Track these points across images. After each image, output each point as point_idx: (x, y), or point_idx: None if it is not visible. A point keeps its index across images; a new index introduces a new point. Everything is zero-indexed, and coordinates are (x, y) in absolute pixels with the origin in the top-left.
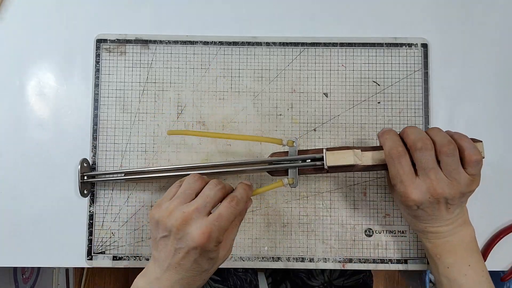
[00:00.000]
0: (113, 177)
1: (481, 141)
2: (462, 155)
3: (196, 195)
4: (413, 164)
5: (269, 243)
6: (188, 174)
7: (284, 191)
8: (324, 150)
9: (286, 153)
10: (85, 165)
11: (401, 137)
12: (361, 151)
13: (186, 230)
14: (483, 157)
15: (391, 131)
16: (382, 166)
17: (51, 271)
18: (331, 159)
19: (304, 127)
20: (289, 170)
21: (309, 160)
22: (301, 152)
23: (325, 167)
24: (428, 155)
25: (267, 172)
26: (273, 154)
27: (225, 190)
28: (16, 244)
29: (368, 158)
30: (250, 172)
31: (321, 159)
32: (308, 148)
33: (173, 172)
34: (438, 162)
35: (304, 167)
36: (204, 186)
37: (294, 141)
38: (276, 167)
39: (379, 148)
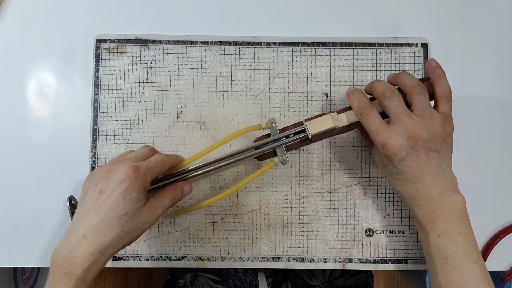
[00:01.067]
0: None
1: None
2: (430, 91)
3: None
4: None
5: (269, 243)
6: (173, 179)
7: (285, 191)
8: (304, 122)
9: (268, 135)
10: (73, 202)
11: (369, 92)
12: (337, 113)
13: (115, 170)
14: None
15: (356, 90)
16: (358, 124)
17: None
18: (312, 128)
19: None
20: (276, 150)
21: (292, 135)
22: (282, 130)
23: (309, 136)
24: (398, 100)
25: (256, 158)
26: (256, 140)
27: (154, 151)
28: (16, 244)
29: (343, 119)
30: (241, 162)
31: (303, 131)
32: (287, 125)
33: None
34: (409, 107)
35: (290, 143)
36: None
37: (272, 122)
38: (263, 150)
39: (348, 108)
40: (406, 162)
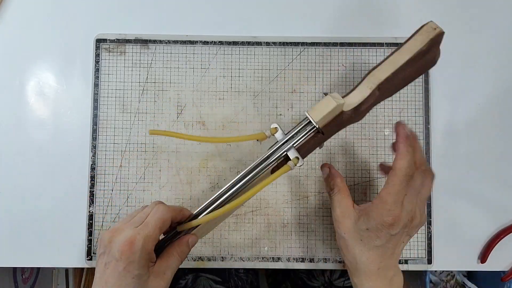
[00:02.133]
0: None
1: (431, 21)
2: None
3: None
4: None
5: (269, 243)
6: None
7: (285, 191)
8: (306, 113)
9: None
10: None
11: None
12: (344, 97)
13: (114, 241)
14: (442, 30)
15: (414, 142)
16: (368, 103)
17: (51, 271)
18: (315, 115)
19: None
20: (288, 153)
21: (299, 131)
22: (288, 132)
23: (317, 126)
24: (429, 181)
25: (272, 172)
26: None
27: (164, 206)
28: (16, 244)
29: (352, 100)
30: (259, 180)
31: (309, 123)
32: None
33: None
34: None
35: (301, 142)
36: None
37: (276, 127)
38: (275, 158)
39: (356, 86)
40: (392, 237)
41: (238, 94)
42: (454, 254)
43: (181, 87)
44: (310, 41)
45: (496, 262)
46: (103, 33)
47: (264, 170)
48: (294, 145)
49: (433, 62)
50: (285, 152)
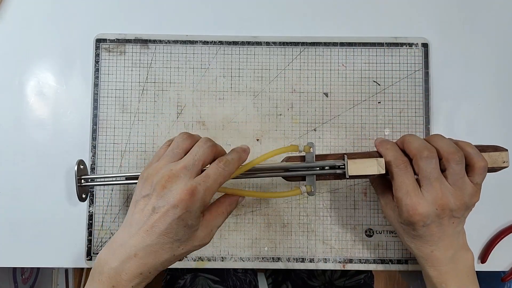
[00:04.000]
0: (113, 180)
1: (507, 150)
2: (469, 162)
3: (186, 154)
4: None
5: (269, 243)
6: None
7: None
8: (346, 158)
9: (302, 157)
10: (81, 167)
11: (400, 147)
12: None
13: (170, 187)
14: (507, 166)
15: (390, 141)
16: None
17: (51, 271)
18: (353, 168)
19: (304, 127)
20: (306, 177)
21: (328, 167)
22: (319, 157)
23: (347, 176)
24: (434, 164)
25: (283, 178)
26: (288, 158)
27: (215, 149)
28: (16, 244)
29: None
30: (265, 177)
31: (341, 166)
32: (326, 153)
33: None
34: (442, 171)
35: (323, 175)
36: (194, 144)
37: (311, 147)
38: (293, 175)
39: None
40: (429, 227)
41: (238, 94)
42: None
43: (181, 87)
44: (310, 41)
45: (496, 262)
46: (103, 33)
47: (278, 174)
48: (316, 174)
49: None
50: (305, 175)
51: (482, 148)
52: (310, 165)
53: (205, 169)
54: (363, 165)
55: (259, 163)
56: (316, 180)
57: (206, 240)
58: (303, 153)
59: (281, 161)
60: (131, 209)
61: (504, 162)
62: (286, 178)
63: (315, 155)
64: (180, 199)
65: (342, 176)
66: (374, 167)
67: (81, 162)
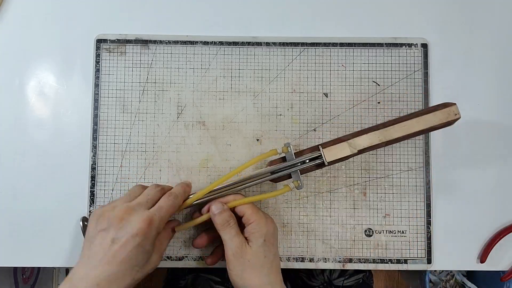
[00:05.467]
0: None
1: (455, 104)
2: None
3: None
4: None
5: None
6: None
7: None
8: (321, 148)
9: (283, 158)
10: (86, 223)
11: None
12: (353, 138)
13: (128, 219)
14: (460, 117)
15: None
16: (374, 147)
17: (51, 271)
18: (329, 155)
19: (304, 127)
20: (291, 174)
21: (308, 160)
22: (297, 154)
23: (326, 163)
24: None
25: (271, 181)
26: (270, 163)
27: (163, 190)
28: (16, 244)
29: (359, 143)
30: (255, 185)
31: (319, 156)
32: (302, 149)
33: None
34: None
35: (306, 168)
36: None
37: (288, 146)
38: (279, 175)
39: (366, 131)
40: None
41: (238, 94)
42: (453, 254)
43: (181, 87)
44: (310, 41)
45: (496, 262)
46: (104, 33)
47: (265, 179)
48: (299, 169)
49: (435, 130)
50: (289, 173)
51: (434, 108)
52: (292, 163)
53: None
54: (336, 150)
55: (238, 172)
56: (301, 174)
57: (158, 262)
58: (282, 154)
59: (266, 167)
60: (86, 244)
61: (456, 114)
62: (274, 180)
63: (294, 153)
64: (139, 228)
65: (322, 164)
66: (347, 149)
67: (84, 219)
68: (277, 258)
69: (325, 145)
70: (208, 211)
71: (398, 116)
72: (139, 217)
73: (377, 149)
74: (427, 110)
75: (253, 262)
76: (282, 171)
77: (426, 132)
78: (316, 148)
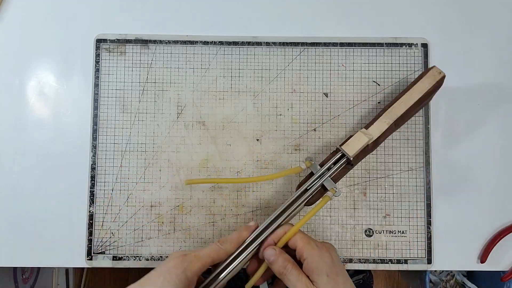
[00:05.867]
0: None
1: (435, 66)
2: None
3: None
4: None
5: None
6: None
7: (285, 191)
8: (340, 147)
9: (310, 174)
10: None
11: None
12: (365, 129)
13: (170, 255)
14: (444, 74)
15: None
16: (386, 134)
17: (51, 271)
18: (349, 149)
19: (304, 127)
20: (324, 185)
21: (333, 164)
22: (321, 164)
23: (350, 159)
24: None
25: (306, 205)
26: (299, 185)
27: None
28: (16, 244)
29: (374, 131)
30: (293, 216)
31: (343, 156)
32: (324, 157)
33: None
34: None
35: (335, 172)
36: None
37: (311, 160)
38: (312, 191)
39: (372, 121)
40: None
41: (238, 94)
42: (454, 254)
43: (181, 87)
44: (310, 41)
45: (496, 262)
46: (104, 33)
47: (300, 204)
48: (330, 177)
49: (432, 96)
50: (322, 183)
51: (419, 77)
52: (321, 173)
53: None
54: (354, 141)
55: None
56: (335, 182)
57: None
58: (308, 170)
59: (296, 191)
60: None
61: (440, 73)
62: (308, 203)
63: (318, 164)
64: (174, 258)
65: (349, 163)
66: (363, 137)
67: None
68: (347, 281)
69: (343, 143)
70: (260, 262)
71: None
72: (175, 253)
73: (377, 149)
74: (415, 81)
75: None
76: (314, 184)
77: (424, 101)
78: (336, 150)
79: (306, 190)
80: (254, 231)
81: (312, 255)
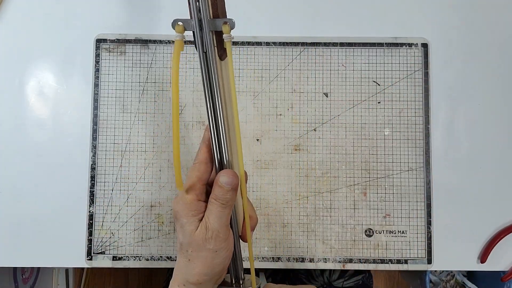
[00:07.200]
0: None
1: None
2: None
3: None
4: None
5: (269, 243)
6: None
7: (285, 191)
8: None
9: (194, 36)
10: None
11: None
12: None
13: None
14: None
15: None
16: None
17: (51, 271)
18: None
19: (304, 127)
20: (213, 31)
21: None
22: (190, 14)
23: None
24: None
25: (220, 59)
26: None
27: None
28: (16, 244)
29: None
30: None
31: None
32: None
33: None
34: None
35: (211, 5)
36: None
37: (178, 21)
38: (209, 44)
39: None
40: None
41: (238, 94)
42: (454, 254)
43: (181, 87)
44: (310, 41)
45: (496, 262)
46: (103, 33)
47: (214, 65)
48: (210, 16)
49: None
50: (211, 31)
51: None
52: (197, 22)
53: None
54: None
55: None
56: (220, 17)
57: (208, 234)
58: (188, 34)
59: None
60: None
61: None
62: (221, 56)
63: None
64: (173, 206)
65: None
66: None
67: None
68: None
69: None
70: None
71: (399, 117)
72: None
73: (377, 149)
74: None
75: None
76: (202, 37)
77: None
78: None
79: (204, 52)
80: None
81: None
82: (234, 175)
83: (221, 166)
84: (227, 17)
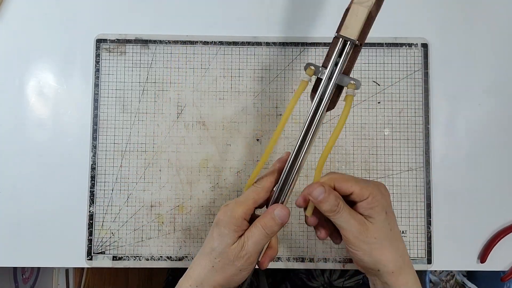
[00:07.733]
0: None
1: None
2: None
3: None
4: None
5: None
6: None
7: None
8: (339, 34)
9: (318, 80)
10: None
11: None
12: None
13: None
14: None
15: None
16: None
17: (51, 271)
18: (351, 31)
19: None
20: (341, 81)
21: (337, 56)
22: (324, 63)
23: (356, 41)
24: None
25: (328, 110)
26: (312, 94)
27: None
28: (16, 244)
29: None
30: (316, 128)
31: (345, 43)
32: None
33: None
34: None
35: (345, 64)
36: None
37: (311, 65)
38: (329, 94)
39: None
40: None
41: (238, 94)
42: (454, 254)
43: (181, 87)
44: (310, 41)
45: (496, 262)
46: (103, 33)
47: (322, 112)
48: (341, 72)
49: None
50: (336, 83)
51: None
52: (329, 73)
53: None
54: (351, 19)
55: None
56: (348, 74)
57: (242, 253)
58: (314, 77)
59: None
60: None
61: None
62: (330, 107)
63: (321, 67)
64: (218, 214)
65: (355, 46)
66: (360, 8)
67: None
68: (397, 225)
69: (338, 29)
70: (306, 200)
71: (398, 117)
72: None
73: (377, 149)
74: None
75: (381, 239)
76: (328, 88)
77: None
78: (334, 41)
79: (321, 99)
80: (286, 160)
81: (374, 193)
82: (288, 214)
83: (277, 200)
84: (351, 76)
